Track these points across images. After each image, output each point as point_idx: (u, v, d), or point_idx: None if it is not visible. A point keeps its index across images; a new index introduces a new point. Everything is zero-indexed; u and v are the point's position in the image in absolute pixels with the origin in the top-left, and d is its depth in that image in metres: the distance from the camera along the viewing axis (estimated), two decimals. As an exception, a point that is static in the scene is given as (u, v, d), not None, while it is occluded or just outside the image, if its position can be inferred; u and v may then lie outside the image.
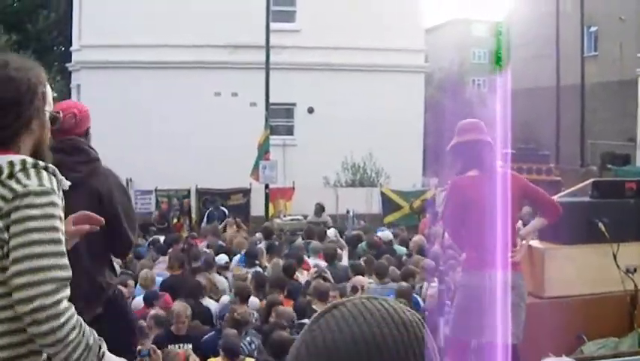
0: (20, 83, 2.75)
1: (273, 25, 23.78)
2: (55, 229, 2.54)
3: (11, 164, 2.59)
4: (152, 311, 9.22)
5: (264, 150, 22.09)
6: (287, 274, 11.54)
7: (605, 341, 5.42)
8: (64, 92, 31.06)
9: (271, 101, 23.02)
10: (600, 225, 5.59)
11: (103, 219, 2.93)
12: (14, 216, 2.51)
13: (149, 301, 9.81)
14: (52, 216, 2.56)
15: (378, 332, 1.30)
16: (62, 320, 2.40)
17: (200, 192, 24.40)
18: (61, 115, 3.23)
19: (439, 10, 55.33)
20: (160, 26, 25.90)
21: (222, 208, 21.47)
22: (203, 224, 20.66)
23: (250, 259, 12.76)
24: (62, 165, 2.83)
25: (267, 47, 22.75)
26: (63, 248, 2.55)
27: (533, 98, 32.36)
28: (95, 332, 2.61)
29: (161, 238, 16.79)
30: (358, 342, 1.29)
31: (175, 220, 23.18)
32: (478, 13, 44.71)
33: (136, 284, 11.03)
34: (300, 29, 27.80)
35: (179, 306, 8.79)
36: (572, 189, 7.22)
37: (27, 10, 34.56)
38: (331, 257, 13.26)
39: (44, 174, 2.63)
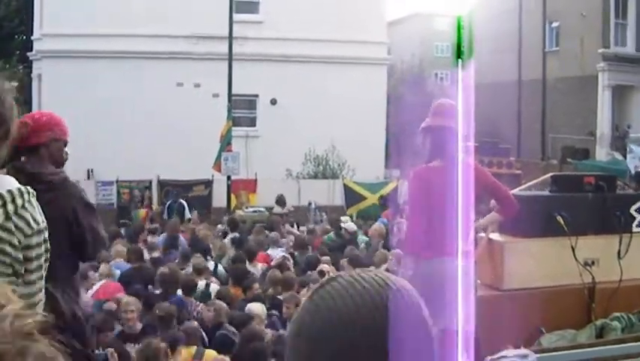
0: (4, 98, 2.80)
1: (237, 17, 23.70)
2: (48, 259, 2.88)
3: (20, 192, 2.73)
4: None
5: (226, 142, 22.00)
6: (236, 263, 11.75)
7: (563, 333, 5.47)
8: (25, 82, 30.70)
9: (234, 92, 22.94)
10: (559, 218, 5.64)
11: None
12: (34, 253, 2.76)
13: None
14: (48, 250, 2.86)
15: (377, 298, 1.38)
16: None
17: (162, 184, 24.29)
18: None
19: (401, 3, 55.37)
20: (122, 16, 25.72)
21: (181, 201, 21.27)
22: (164, 216, 20.55)
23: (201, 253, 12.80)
24: None
25: (230, 38, 22.67)
26: None
27: (495, 93, 32.57)
28: None
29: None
30: (360, 306, 1.37)
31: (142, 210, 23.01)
32: (441, 7, 44.73)
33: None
34: (263, 21, 27.75)
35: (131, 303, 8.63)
36: (532, 182, 7.29)
37: (-13, -3, 34.15)
38: (302, 246, 13.72)
39: (36, 204, 2.82)
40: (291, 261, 12.52)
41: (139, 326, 8.43)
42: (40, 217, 2.75)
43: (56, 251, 3.02)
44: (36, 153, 4.52)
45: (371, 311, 1.37)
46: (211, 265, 12.04)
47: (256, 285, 10.46)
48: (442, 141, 5.44)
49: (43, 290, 2.86)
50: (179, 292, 9.83)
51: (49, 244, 2.82)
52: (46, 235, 2.79)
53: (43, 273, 2.81)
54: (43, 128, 4.55)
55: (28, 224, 2.69)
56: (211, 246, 14.09)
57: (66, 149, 4.81)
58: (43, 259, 2.78)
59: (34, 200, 2.75)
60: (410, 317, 1.40)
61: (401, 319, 1.37)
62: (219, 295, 9.77)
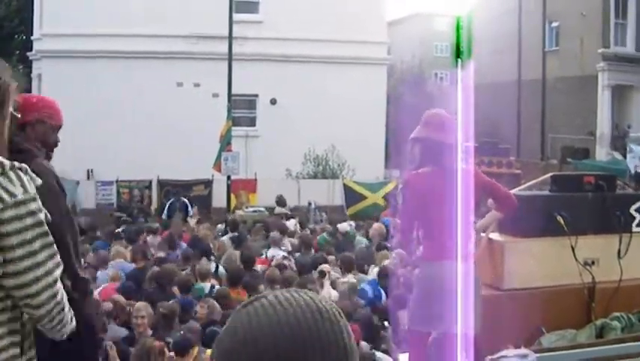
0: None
1: (236, 16, 23.66)
2: (46, 233, 2.67)
3: None
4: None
5: (226, 142, 21.94)
6: (246, 266, 11.64)
7: (563, 333, 5.46)
8: (24, 81, 30.73)
9: (234, 92, 22.90)
10: (559, 218, 5.64)
11: None
12: (10, 227, 2.57)
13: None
14: (42, 223, 2.66)
15: (294, 319, 1.40)
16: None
17: (162, 183, 24.28)
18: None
19: (401, 3, 55.37)
20: (122, 16, 25.72)
21: (183, 199, 21.28)
22: (164, 215, 20.54)
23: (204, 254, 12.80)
24: None
25: (230, 38, 22.63)
26: (55, 248, 2.71)
27: (495, 93, 32.57)
28: None
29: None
30: (276, 328, 1.39)
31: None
32: (440, 7, 44.78)
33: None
34: (263, 20, 27.74)
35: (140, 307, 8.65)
36: (531, 182, 7.27)
37: (-13, -3, 34.22)
38: (306, 246, 13.70)
39: (23, 177, 2.65)
40: (292, 261, 12.52)
41: (149, 332, 8.38)
42: (21, 190, 2.60)
43: None
44: (23, 131, 4.57)
45: (284, 333, 1.38)
46: (212, 266, 12.03)
47: (261, 286, 10.45)
48: (431, 152, 5.43)
49: (45, 264, 2.66)
50: (175, 289, 9.88)
51: (42, 216, 2.67)
52: (33, 206, 2.63)
53: (38, 248, 2.63)
54: (30, 108, 4.57)
55: (0, 198, 2.56)
56: (211, 246, 14.08)
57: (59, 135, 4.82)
58: (30, 234, 2.61)
59: (12, 173, 2.61)
60: (330, 341, 1.41)
61: (320, 342, 1.40)
62: (219, 295, 9.79)
